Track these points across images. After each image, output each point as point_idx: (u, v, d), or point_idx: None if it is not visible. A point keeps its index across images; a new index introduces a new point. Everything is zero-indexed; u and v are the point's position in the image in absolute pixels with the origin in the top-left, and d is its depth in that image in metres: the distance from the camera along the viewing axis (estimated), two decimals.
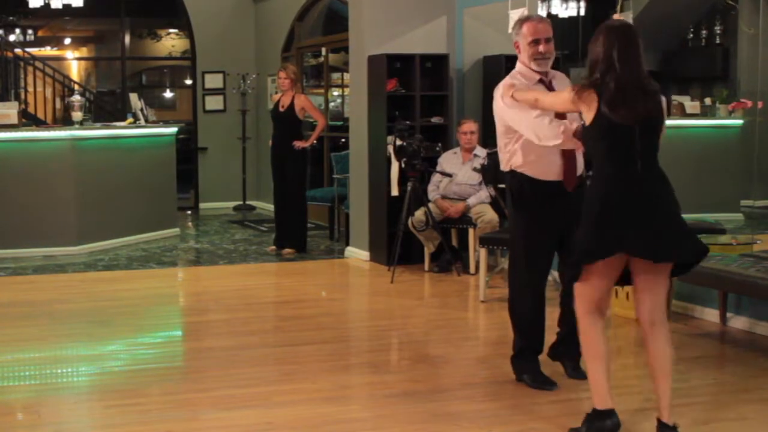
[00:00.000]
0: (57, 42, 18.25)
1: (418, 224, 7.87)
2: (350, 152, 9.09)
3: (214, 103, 13.28)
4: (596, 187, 3.94)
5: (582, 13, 8.03)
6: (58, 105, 14.03)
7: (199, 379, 5.04)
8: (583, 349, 4.06)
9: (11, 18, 15.87)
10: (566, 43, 7.76)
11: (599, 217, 3.85)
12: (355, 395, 4.87)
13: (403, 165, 7.81)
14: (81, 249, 9.12)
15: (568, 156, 4.63)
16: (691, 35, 8.01)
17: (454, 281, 7.73)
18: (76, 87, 14.33)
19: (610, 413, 3.97)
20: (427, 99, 8.49)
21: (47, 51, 17.60)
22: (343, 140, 10.83)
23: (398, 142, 7.78)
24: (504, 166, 4.77)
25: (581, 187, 4.68)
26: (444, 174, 8.01)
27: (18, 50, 13.85)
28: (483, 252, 6.90)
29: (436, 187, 8.10)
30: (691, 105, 7.48)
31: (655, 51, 7.55)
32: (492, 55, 8.35)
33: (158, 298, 7.48)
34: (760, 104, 6.81)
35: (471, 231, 7.88)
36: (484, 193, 7.80)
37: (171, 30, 17.41)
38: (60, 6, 10.90)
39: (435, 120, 8.53)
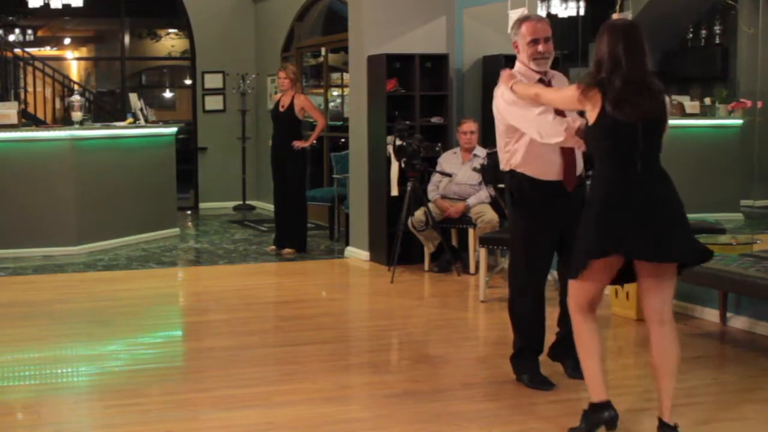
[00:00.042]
0: (57, 42, 18.25)
1: (417, 224, 7.87)
2: (350, 152, 9.09)
3: (213, 103, 13.28)
4: (597, 188, 3.94)
5: (582, 12, 8.04)
6: (58, 105, 14.03)
7: (199, 379, 5.04)
8: (576, 344, 4.10)
9: (11, 18, 15.86)
10: (566, 43, 7.76)
11: (598, 217, 3.85)
12: (355, 395, 4.87)
13: (402, 165, 7.81)
14: (81, 249, 9.12)
15: (567, 156, 4.64)
16: (691, 35, 8.01)
17: (454, 281, 7.73)
18: (76, 87, 14.32)
19: (606, 405, 4.00)
20: (426, 99, 8.50)
21: (47, 51, 17.60)
22: (342, 140, 10.83)
23: (398, 142, 7.79)
24: (503, 166, 4.77)
25: (581, 187, 4.69)
26: (444, 174, 8.01)
27: (18, 50, 13.85)
28: (483, 252, 6.90)
29: (435, 187, 8.10)
30: (690, 105, 7.48)
31: (655, 51, 7.51)
32: (491, 55, 8.36)
33: (158, 298, 7.48)
34: (759, 104, 6.82)
35: (471, 231, 7.88)
36: (484, 193, 7.80)
37: (171, 30, 17.41)
38: (60, 6, 10.91)
39: (435, 120, 8.53)
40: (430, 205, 7.91)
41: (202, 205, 13.26)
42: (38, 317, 6.55)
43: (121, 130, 9.85)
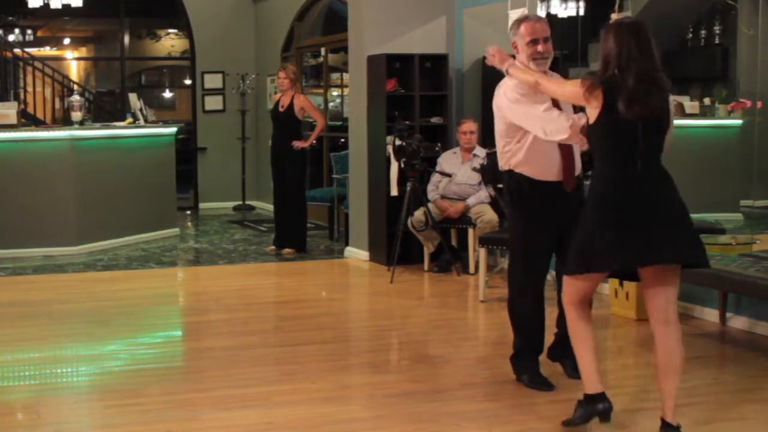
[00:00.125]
0: (56, 42, 18.24)
1: (417, 224, 7.87)
2: (350, 152, 9.09)
3: (213, 103, 13.28)
4: (597, 187, 3.95)
5: (581, 12, 8.03)
6: (58, 105, 14.02)
7: (199, 379, 5.04)
8: (571, 338, 4.12)
9: (11, 18, 15.86)
10: (565, 43, 7.76)
11: (597, 225, 3.85)
12: (355, 395, 4.87)
13: (402, 165, 7.81)
14: (80, 249, 9.12)
15: (567, 156, 4.63)
16: (691, 35, 8.00)
17: (453, 281, 7.73)
18: (76, 87, 14.32)
19: (601, 397, 4.03)
20: (426, 99, 8.50)
21: (46, 51, 17.60)
22: (342, 140, 10.83)
23: (398, 142, 7.78)
24: (502, 166, 4.76)
25: (579, 187, 4.69)
26: (443, 174, 8.01)
27: (17, 50, 13.84)
28: (482, 252, 6.90)
29: (435, 187, 8.10)
30: (690, 105, 7.48)
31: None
32: None
33: (158, 298, 7.48)
34: (759, 104, 6.81)
35: (470, 231, 7.88)
36: (484, 193, 7.80)
37: (170, 30, 17.41)
38: (59, 6, 10.90)
39: (434, 120, 8.53)
40: (430, 205, 7.91)
41: (201, 205, 13.26)
42: (38, 317, 6.55)
43: (120, 130, 9.85)
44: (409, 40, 8.54)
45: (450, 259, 8.03)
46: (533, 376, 4.78)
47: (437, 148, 8.04)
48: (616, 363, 5.43)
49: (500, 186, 5.16)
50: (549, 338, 4.97)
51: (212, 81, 13.22)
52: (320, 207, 10.30)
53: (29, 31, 16.70)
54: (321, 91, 12.13)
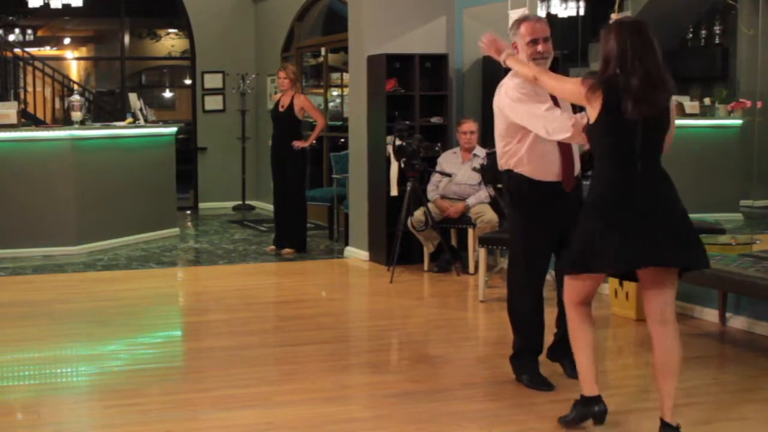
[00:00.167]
0: (56, 42, 18.25)
1: (417, 224, 7.87)
2: (350, 152, 9.09)
3: (213, 103, 13.28)
4: (596, 187, 3.95)
5: (581, 12, 8.04)
6: (58, 105, 14.02)
7: (199, 379, 5.04)
8: (570, 339, 4.13)
9: (11, 18, 15.86)
10: (565, 43, 7.76)
11: (597, 225, 3.85)
12: (355, 395, 4.87)
13: (402, 165, 7.81)
14: (80, 249, 9.12)
15: (566, 156, 4.64)
16: (691, 35, 8.00)
17: (453, 281, 7.73)
18: (76, 87, 14.32)
19: (596, 399, 4.06)
20: (426, 99, 8.50)
21: (47, 51, 17.60)
22: (342, 140, 10.83)
23: (398, 142, 7.79)
24: (501, 165, 4.76)
25: (578, 187, 4.69)
26: (443, 174, 8.02)
27: (17, 50, 13.84)
28: (482, 252, 6.90)
29: (435, 187, 8.11)
30: (690, 105, 7.49)
31: None
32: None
33: (158, 298, 7.48)
34: (759, 104, 6.82)
35: (470, 231, 7.88)
36: (484, 193, 7.80)
37: (171, 30, 17.41)
38: (59, 6, 10.92)
39: (434, 120, 8.53)
40: (430, 205, 7.91)
41: (201, 205, 13.26)
42: (38, 317, 6.55)
43: (120, 130, 9.85)
44: (409, 40, 8.54)
45: (450, 259, 8.03)
46: (533, 376, 4.78)
47: (437, 148, 8.04)
48: (616, 363, 5.43)
49: (500, 186, 5.16)
50: (549, 338, 4.98)
51: (212, 81, 13.22)
52: (320, 207, 10.31)
53: (29, 31, 16.71)
54: (321, 91, 12.13)
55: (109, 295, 7.43)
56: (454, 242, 8.25)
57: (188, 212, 12.90)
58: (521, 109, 4.52)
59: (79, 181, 9.13)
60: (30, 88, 13.77)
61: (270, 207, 10.65)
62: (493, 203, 7.67)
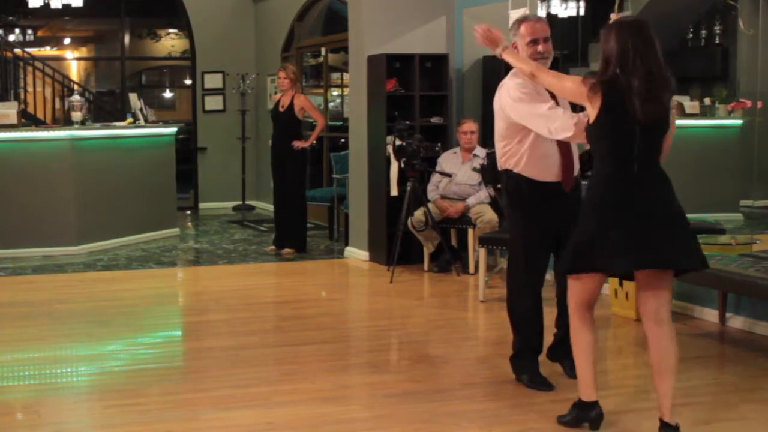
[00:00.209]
0: (57, 42, 18.25)
1: (417, 224, 7.87)
2: (350, 152, 9.09)
3: (213, 103, 13.28)
4: (595, 187, 3.95)
5: (582, 12, 8.04)
6: (58, 105, 14.02)
7: (199, 379, 5.04)
8: (572, 343, 4.13)
9: (11, 18, 15.86)
10: (565, 43, 7.76)
11: (596, 225, 3.85)
12: (355, 395, 4.87)
13: (402, 165, 7.81)
14: (80, 249, 9.12)
15: (566, 156, 4.63)
16: (691, 35, 8.01)
17: (453, 281, 7.73)
18: (76, 87, 14.32)
19: (594, 405, 4.08)
20: (426, 99, 8.50)
21: (47, 51, 17.60)
22: (342, 140, 10.83)
23: (398, 142, 7.79)
24: (501, 165, 4.75)
25: (577, 187, 4.69)
26: (443, 174, 8.02)
27: (17, 50, 13.85)
28: (482, 252, 6.90)
29: (435, 187, 8.11)
30: (690, 105, 7.49)
31: None
32: (491, 55, 8.20)
33: (158, 298, 7.48)
34: (759, 104, 6.82)
35: (470, 231, 7.88)
36: (484, 193, 7.80)
37: (171, 30, 17.42)
38: (60, 6, 10.91)
39: (435, 120, 8.53)
40: (430, 205, 7.91)
41: (201, 205, 13.26)
42: (38, 317, 6.55)
43: (120, 130, 9.85)
44: (409, 40, 8.54)
45: (450, 259, 8.03)
46: (533, 376, 4.78)
47: (437, 148, 8.04)
48: (616, 363, 5.43)
49: (500, 186, 5.16)
50: (548, 338, 4.97)
51: (212, 81, 13.22)
52: (320, 207, 10.31)
53: (29, 31, 16.71)
54: (321, 91, 12.13)
55: (109, 295, 7.43)
56: (454, 242, 8.25)
57: (188, 212, 12.90)
58: (523, 108, 4.51)
59: (79, 181, 9.13)
60: (30, 88, 13.77)
61: (270, 207, 10.65)
62: (493, 203, 7.67)
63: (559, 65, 6.77)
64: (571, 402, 4.19)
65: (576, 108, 4.47)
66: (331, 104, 12.20)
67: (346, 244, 9.16)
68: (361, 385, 5.03)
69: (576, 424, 4.13)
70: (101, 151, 9.42)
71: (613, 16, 6.00)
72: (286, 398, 4.67)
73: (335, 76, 12.61)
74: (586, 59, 7.92)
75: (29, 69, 13.74)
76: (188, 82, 14.72)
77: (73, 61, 18.13)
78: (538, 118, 4.43)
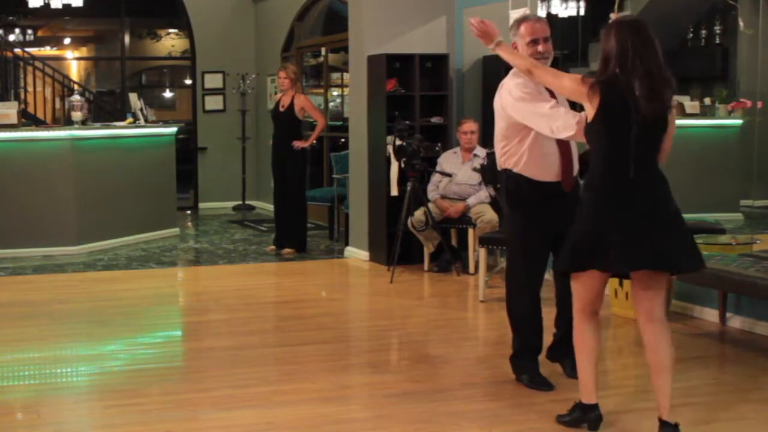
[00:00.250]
0: (57, 42, 18.24)
1: (417, 224, 7.87)
2: (350, 152, 9.09)
3: (213, 103, 13.28)
4: (593, 187, 3.95)
5: (582, 12, 8.04)
6: (58, 105, 14.02)
7: (199, 379, 5.04)
8: (575, 344, 4.13)
9: (11, 18, 15.86)
10: (565, 43, 7.77)
11: (593, 225, 3.85)
12: (355, 395, 4.87)
13: (402, 165, 7.81)
14: (80, 249, 9.12)
15: (566, 156, 4.63)
16: (691, 35, 8.01)
17: (453, 281, 7.74)
18: (76, 87, 14.32)
19: (594, 408, 4.09)
20: (426, 99, 8.49)
21: (47, 51, 17.59)
22: (342, 140, 10.83)
23: (398, 142, 7.79)
24: (500, 165, 4.75)
25: (577, 187, 4.69)
26: (443, 174, 8.02)
27: (18, 50, 13.84)
28: (482, 252, 6.90)
29: (435, 186, 8.11)
30: (690, 105, 7.49)
31: None
32: (491, 55, 8.19)
33: (158, 298, 7.48)
34: (759, 104, 6.82)
35: (470, 231, 7.88)
36: (484, 193, 7.80)
37: (171, 30, 17.41)
38: (60, 6, 10.92)
39: (435, 120, 8.53)
40: (430, 205, 7.91)
41: (201, 205, 13.27)
42: (38, 317, 6.55)
43: (121, 130, 9.85)
44: (409, 40, 8.54)
45: (450, 259, 8.03)
46: (533, 376, 4.78)
47: (437, 148, 8.04)
48: (616, 363, 5.43)
49: (500, 186, 5.16)
50: (548, 338, 4.98)
51: (212, 81, 13.22)
52: (320, 207, 10.31)
53: (29, 31, 16.70)
54: (321, 91, 12.13)
55: (109, 295, 7.43)
56: (454, 242, 8.25)
57: (188, 212, 12.90)
58: (525, 107, 4.50)
59: (79, 181, 9.13)
60: (30, 88, 13.76)
61: (270, 207, 10.65)
62: (493, 203, 7.67)
63: (559, 65, 6.77)
64: (571, 402, 4.19)
65: (575, 107, 4.47)
66: (331, 104, 12.20)
67: (347, 244, 9.16)
68: (361, 385, 5.03)
69: (575, 426, 4.14)
70: (101, 151, 9.42)
71: (613, 16, 6.01)
72: (286, 398, 4.67)
73: (335, 76, 12.61)
74: (586, 59, 7.93)
75: (29, 69, 13.73)
76: (188, 82, 14.72)
77: (73, 61, 18.12)
78: (540, 118, 4.42)
